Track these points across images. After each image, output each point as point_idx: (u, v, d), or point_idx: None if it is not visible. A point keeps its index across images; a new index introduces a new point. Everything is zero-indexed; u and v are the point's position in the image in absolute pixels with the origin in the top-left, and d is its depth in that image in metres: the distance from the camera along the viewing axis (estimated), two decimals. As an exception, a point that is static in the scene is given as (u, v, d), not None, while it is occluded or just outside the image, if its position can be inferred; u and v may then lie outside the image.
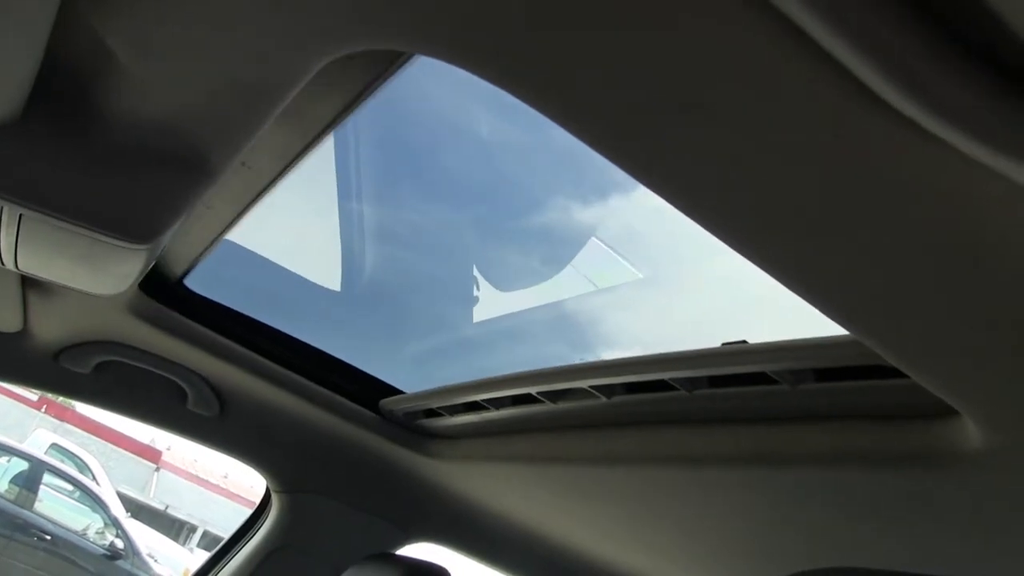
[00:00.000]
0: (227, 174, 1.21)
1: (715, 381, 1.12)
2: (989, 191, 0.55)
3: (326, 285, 2.13)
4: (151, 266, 1.19)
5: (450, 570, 1.60)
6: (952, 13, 0.45)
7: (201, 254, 1.58)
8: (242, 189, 1.29)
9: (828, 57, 0.49)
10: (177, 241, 1.53)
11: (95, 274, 1.20)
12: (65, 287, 1.37)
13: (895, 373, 0.84)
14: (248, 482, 17.15)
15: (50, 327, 1.78)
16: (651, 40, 0.58)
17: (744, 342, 1.05)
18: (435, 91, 1.76)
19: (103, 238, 0.99)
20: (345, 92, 1.04)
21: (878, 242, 0.66)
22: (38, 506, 9.43)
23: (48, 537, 9.17)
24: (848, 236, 0.66)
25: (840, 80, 0.51)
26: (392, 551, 2.02)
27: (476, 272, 2.15)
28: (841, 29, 0.46)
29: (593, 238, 2.20)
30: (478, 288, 2.14)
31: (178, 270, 1.67)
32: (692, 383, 1.13)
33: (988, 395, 0.77)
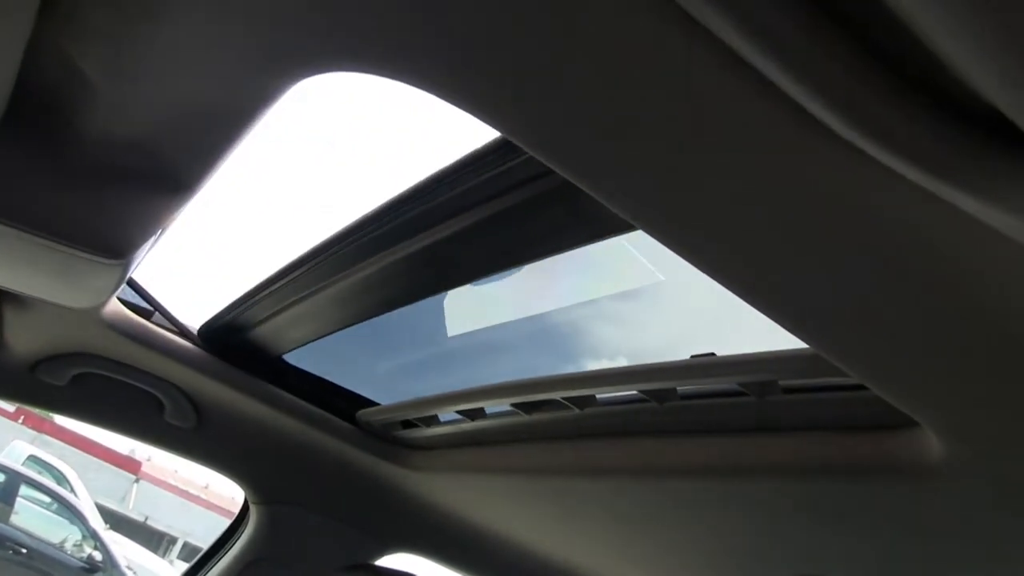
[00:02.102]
0: (354, 289, 1.31)
1: (685, 393, 1.14)
2: (937, 213, 0.57)
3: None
4: (125, 280, 1.19)
5: (427, 581, 1.60)
6: (891, 46, 0.47)
7: (304, 342, 1.69)
8: (368, 305, 1.41)
9: (781, 93, 0.51)
10: (288, 326, 1.62)
11: (70, 288, 1.20)
12: (41, 300, 1.37)
13: (858, 385, 0.86)
14: (229, 493, 17.04)
15: (26, 339, 1.77)
16: (606, 72, 0.60)
17: (712, 354, 1.06)
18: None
19: (78, 253, 1.00)
20: (500, 255, 1.13)
21: (834, 259, 0.67)
22: (15, 519, 9.33)
23: (25, 550, 9.07)
24: (805, 254, 0.68)
25: (789, 108, 0.53)
26: (370, 562, 2.02)
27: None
28: (786, 64, 0.49)
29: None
30: (453, 300, 2.15)
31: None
32: (662, 395, 1.15)
33: (946, 406, 0.79)
